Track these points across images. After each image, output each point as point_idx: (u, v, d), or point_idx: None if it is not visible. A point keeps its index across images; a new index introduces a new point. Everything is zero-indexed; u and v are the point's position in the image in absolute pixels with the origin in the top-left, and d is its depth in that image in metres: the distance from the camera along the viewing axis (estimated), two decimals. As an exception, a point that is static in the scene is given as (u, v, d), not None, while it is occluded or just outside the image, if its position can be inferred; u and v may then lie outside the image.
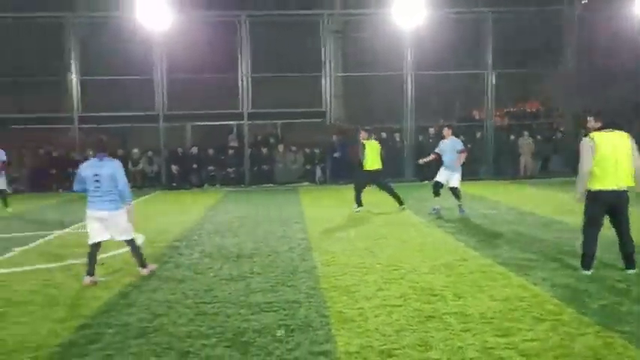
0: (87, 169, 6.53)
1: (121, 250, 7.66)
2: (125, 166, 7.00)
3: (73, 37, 18.70)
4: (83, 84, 18.91)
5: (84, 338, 4.67)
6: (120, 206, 6.59)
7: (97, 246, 6.58)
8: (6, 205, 12.79)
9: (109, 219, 6.55)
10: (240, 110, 19.11)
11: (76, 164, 17.95)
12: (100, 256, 6.77)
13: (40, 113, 19.03)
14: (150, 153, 18.74)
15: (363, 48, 20.37)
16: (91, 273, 6.47)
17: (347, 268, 6.90)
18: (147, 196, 16.08)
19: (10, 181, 17.93)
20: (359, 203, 11.84)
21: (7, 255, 8.17)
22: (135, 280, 6.55)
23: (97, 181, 6.45)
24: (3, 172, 12.73)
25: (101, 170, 6.47)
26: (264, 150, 19.26)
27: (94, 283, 6.40)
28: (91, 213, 6.57)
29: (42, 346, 4.50)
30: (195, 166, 18.69)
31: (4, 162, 12.76)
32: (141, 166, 18.65)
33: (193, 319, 5.10)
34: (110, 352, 4.37)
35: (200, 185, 18.64)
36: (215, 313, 5.26)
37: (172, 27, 17.56)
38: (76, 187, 6.61)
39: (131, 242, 6.79)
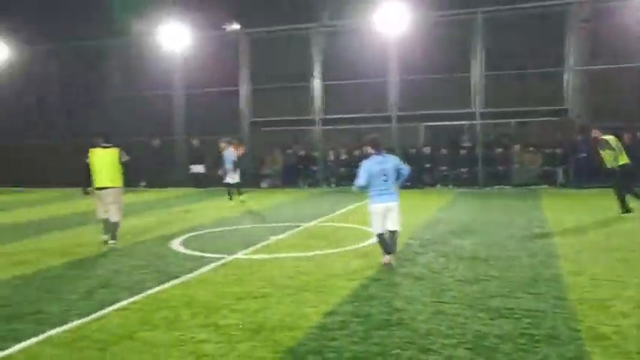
0: (374, 166, 7.19)
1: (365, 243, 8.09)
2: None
3: (315, 46, 20.36)
4: (324, 88, 20.49)
5: (332, 324, 5.05)
6: (398, 198, 7.25)
7: (382, 235, 7.22)
8: (239, 193, 15.07)
9: (393, 209, 7.19)
10: (473, 110, 18.73)
11: (314, 162, 19.94)
12: (345, 248, 7.26)
13: (287, 116, 21.11)
14: (383, 153, 19.44)
15: (608, 38, 18.18)
16: (388, 252, 7.19)
17: (599, 280, 6.28)
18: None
19: (262, 178, 20.31)
20: (626, 207, 10.82)
21: (265, 242, 9.27)
22: (374, 273, 6.88)
23: (384, 175, 7.15)
24: (237, 169, 15.01)
25: (386, 165, 7.20)
26: (499, 150, 18.57)
27: (389, 263, 7.10)
28: (377, 206, 7.21)
29: (298, 326, 5.00)
30: (427, 165, 18.87)
31: (234, 161, 14.92)
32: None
33: (432, 317, 5.16)
34: (355, 339, 4.66)
35: (433, 185, 18.76)
36: (454, 313, 5.24)
37: (406, 28, 17.98)
38: (362, 182, 7.21)
39: (396, 232, 7.31)
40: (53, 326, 5.15)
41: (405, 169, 7.40)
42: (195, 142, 20.74)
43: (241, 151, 19.71)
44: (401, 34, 18.14)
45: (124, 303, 5.88)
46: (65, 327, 5.12)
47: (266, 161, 21.14)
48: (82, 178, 9.16)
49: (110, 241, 9.06)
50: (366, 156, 7.47)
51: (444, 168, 18.87)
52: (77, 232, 10.92)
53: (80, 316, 5.45)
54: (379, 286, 6.32)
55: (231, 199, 15.27)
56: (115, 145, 9.30)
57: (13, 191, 21.32)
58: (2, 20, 22.46)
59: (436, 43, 18.26)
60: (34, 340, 4.80)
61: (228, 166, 15.07)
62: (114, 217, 9.14)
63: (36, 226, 11.94)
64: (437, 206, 13.42)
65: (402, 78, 19.27)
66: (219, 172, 15.53)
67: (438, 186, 18.66)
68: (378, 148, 7.29)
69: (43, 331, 5.01)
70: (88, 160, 9.11)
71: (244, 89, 21.23)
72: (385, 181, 7.13)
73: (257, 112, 21.40)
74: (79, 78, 23.00)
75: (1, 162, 22.99)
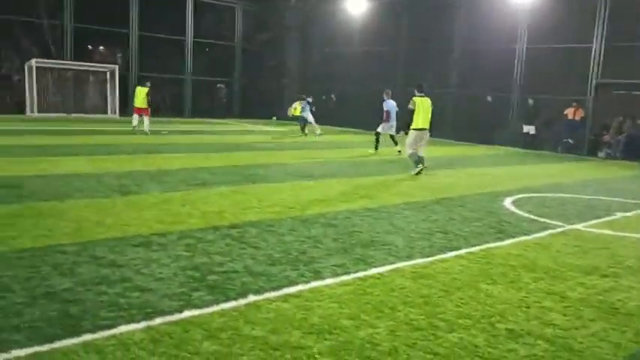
0: None
1: None
2: None
3: None
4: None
5: None
6: None
7: None
8: (395, 143, 15.91)
9: None
10: None
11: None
12: None
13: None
14: None
15: None
16: None
17: None
18: None
19: (602, 146, 18.29)
20: None
21: (609, 217, 8.35)
22: None
23: None
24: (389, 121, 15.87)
25: None
26: None
27: None
28: None
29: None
30: None
31: (387, 112, 15.83)
32: None
33: None
34: None
35: None
36: None
37: None
38: None
39: None
40: (401, 259, 5.60)
41: None
42: (530, 101, 19.76)
43: (579, 114, 18.03)
44: None
45: (462, 252, 6.02)
46: (411, 262, 5.52)
47: (611, 129, 18.87)
48: (402, 122, 11.82)
49: (415, 169, 11.64)
50: None
51: None
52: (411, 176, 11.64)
53: (422, 255, 5.80)
54: None
55: (376, 148, 16.03)
56: (427, 95, 11.75)
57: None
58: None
59: None
60: (387, 267, 5.31)
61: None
62: (422, 153, 11.73)
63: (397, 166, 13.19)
64: None
65: None
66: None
67: None
68: None
69: (393, 262, 5.50)
70: (410, 106, 11.57)
71: (597, 46, 19.03)
72: None
73: (607, 73, 19.11)
74: (425, 30, 24.05)
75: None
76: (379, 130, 16.12)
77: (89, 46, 29.00)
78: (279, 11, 30.54)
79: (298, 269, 5.10)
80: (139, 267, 4.92)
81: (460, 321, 4.07)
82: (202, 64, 29.61)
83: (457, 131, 22.28)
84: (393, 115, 16.06)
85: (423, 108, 11.58)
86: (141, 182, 9.22)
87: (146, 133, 17.94)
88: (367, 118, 25.52)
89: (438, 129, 23.09)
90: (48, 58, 25.05)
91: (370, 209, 8.06)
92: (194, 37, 28.87)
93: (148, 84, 18.64)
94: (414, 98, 11.64)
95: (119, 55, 29.49)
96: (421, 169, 11.68)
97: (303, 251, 5.71)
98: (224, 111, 30.56)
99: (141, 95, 18.51)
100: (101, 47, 30.23)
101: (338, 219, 7.31)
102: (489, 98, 20.92)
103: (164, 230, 6.24)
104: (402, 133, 12.19)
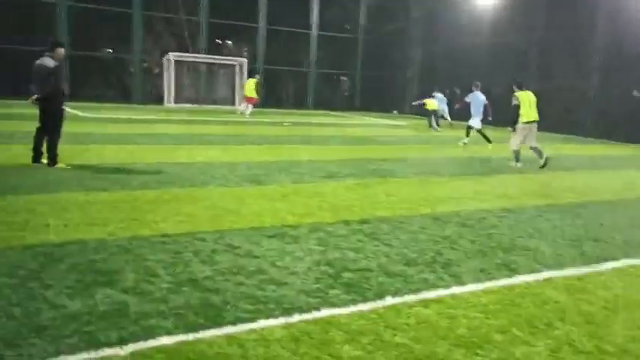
0: None
1: None
2: None
3: None
4: None
5: None
6: None
7: None
8: (488, 141, 15.54)
9: None
10: None
11: None
12: None
13: None
14: None
15: None
16: None
17: None
18: None
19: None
20: None
21: None
22: None
23: None
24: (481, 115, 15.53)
25: None
26: None
27: None
28: None
29: None
30: None
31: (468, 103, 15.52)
32: None
33: None
34: None
35: None
36: None
37: None
38: None
39: None
40: (549, 268, 5.09)
41: None
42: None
43: None
44: None
45: (621, 264, 5.35)
46: (562, 272, 4.99)
47: None
48: (512, 117, 11.64)
49: (541, 161, 11.63)
50: None
51: None
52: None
53: (574, 264, 5.23)
54: None
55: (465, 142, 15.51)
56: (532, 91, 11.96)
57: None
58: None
59: None
60: (534, 276, 4.84)
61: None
62: (535, 144, 11.78)
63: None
64: None
65: None
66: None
67: None
68: None
69: (540, 270, 5.01)
70: (516, 102, 11.56)
71: None
72: None
73: None
74: (563, 17, 22.40)
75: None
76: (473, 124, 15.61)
77: (218, 40, 30.39)
78: (404, 2, 29.98)
79: (436, 272, 4.80)
80: (274, 259, 4.89)
81: (632, 346, 3.55)
82: (326, 56, 29.90)
83: (598, 128, 20.50)
84: (479, 109, 15.45)
85: (528, 101, 11.67)
86: (271, 173, 9.36)
87: (245, 116, 20.67)
88: (496, 113, 24.38)
89: (576, 126, 21.60)
90: (184, 52, 26.60)
91: (508, 210, 7.51)
92: (319, 30, 29.20)
93: (257, 76, 21.61)
94: (515, 93, 11.64)
95: (245, 49, 30.66)
96: (545, 164, 11.60)
97: (439, 252, 5.38)
98: (346, 103, 30.69)
99: (250, 86, 20.83)
100: (229, 41, 31.57)
101: (473, 219, 6.88)
102: (636, 93, 18.97)
103: (296, 222, 6.21)
104: (509, 129, 11.86)
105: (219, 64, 27.55)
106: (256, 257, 4.91)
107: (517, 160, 11.76)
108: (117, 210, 6.28)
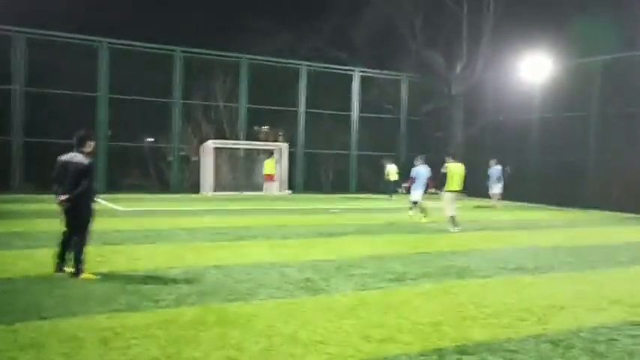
0: None
1: None
2: None
3: None
4: None
5: None
6: None
7: None
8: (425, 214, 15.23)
9: None
10: None
11: None
12: None
13: None
14: None
15: None
16: None
17: None
18: None
19: None
20: None
21: None
22: None
23: None
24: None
25: None
26: None
27: None
28: None
29: None
30: None
31: (429, 178, 15.50)
32: None
33: None
34: None
35: None
36: None
37: None
38: None
39: None
40: None
41: None
42: None
43: None
44: None
45: None
46: None
47: None
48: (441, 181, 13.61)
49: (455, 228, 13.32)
50: None
51: None
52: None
53: None
54: None
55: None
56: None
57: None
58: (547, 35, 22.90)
59: None
60: None
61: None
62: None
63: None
64: None
65: None
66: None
67: None
68: None
69: None
70: (444, 171, 13.50)
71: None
72: None
73: None
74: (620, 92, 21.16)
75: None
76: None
77: (254, 127, 30.00)
78: (445, 81, 29.29)
79: None
80: None
81: None
82: (367, 138, 29.07)
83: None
84: (420, 182, 15.53)
85: (457, 173, 13.43)
86: (327, 276, 7.96)
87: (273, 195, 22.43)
88: (554, 191, 22.77)
89: (625, 201, 19.78)
90: (222, 139, 26.13)
91: (637, 325, 5.89)
92: (360, 112, 28.59)
93: (274, 155, 24.81)
94: (446, 164, 13.46)
95: (280, 133, 30.21)
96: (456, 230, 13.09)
97: (589, 407, 3.83)
98: (390, 186, 29.46)
99: (269, 165, 24.38)
100: (265, 127, 31.21)
101: (599, 341, 5.30)
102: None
103: (375, 354, 4.76)
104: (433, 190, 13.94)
105: (259, 149, 26.95)
106: None
107: (455, 224, 13.26)
108: (147, 341, 4.95)
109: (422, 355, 4.80)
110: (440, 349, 4.94)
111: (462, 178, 13.55)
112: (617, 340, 5.36)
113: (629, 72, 20.79)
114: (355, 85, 28.55)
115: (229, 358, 4.59)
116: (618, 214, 19.88)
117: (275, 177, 24.79)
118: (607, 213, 20.16)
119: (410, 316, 5.99)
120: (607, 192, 21.00)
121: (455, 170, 13.49)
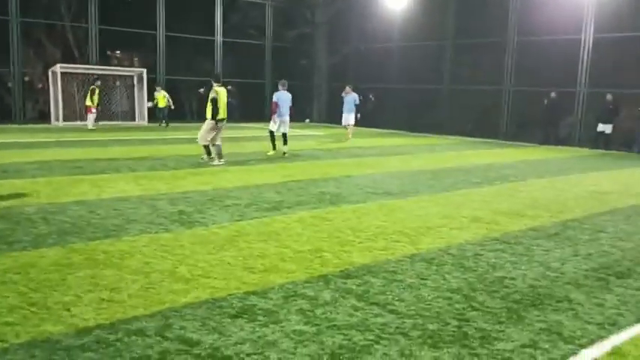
0: None
1: None
2: None
3: None
4: None
5: None
6: None
7: None
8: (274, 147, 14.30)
9: None
10: None
11: None
12: None
13: None
14: None
15: None
16: None
17: None
18: None
19: None
20: None
21: None
22: None
23: None
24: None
25: None
26: None
27: None
28: None
29: None
30: None
31: (275, 103, 14.05)
32: None
33: None
34: None
35: None
36: None
37: None
38: None
39: None
40: (609, 331, 3.97)
41: None
42: (608, 96, 17.84)
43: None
44: None
45: (674, 311, 4.37)
46: (629, 333, 3.89)
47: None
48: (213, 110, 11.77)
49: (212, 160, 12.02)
50: None
51: None
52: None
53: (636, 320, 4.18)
54: None
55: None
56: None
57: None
58: None
59: None
60: (598, 348, 3.69)
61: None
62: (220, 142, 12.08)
63: None
64: None
65: None
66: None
67: None
68: None
69: (601, 337, 3.87)
70: (214, 96, 11.58)
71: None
72: None
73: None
74: (475, 21, 22.32)
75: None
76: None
77: (107, 52, 27.65)
78: (309, 7, 28.93)
79: (477, 353, 3.51)
80: (256, 358, 3.36)
81: None
82: (232, 65, 28.11)
83: (513, 131, 20.56)
84: (284, 110, 13.99)
85: (224, 99, 11.98)
86: (201, 208, 7.68)
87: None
88: (413, 118, 23.98)
89: (492, 129, 21.58)
90: (72, 63, 23.75)
91: (496, 240, 6.43)
92: (223, 37, 27.41)
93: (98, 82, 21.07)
94: (215, 88, 11.78)
95: (135, 58, 28.13)
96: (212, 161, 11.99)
97: (466, 319, 4.10)
98: (255, 114, 29.06)
99: (92, 95, 20.87)
100: (118, 51, 28.92)
101: (467, 257, 5.71)
102: (553, 94, 19.05)
103: (261, 285, 4.68)
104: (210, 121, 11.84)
105: (115, 75, 24.89)
106: (227, 358, 3.36)
107: (209, 154, 12.06)
108: (3, 288, 4.40)
109: (308, 282, 4.81)
110: (324, 275, 4.99)
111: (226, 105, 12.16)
112: (481, 254, 5.81)
113: (481, 3, 21.95)
114: (218, 9, 27.16)
115: (105, 300, 4.24)
116: (468, 138, 21.55)
117: (91, 110, 21.05)
118: (459, 138, 21.75)
119: (291, 244, 5.97)
120: (459, 118, 22.61)
121: (223, 96, 11.96)
